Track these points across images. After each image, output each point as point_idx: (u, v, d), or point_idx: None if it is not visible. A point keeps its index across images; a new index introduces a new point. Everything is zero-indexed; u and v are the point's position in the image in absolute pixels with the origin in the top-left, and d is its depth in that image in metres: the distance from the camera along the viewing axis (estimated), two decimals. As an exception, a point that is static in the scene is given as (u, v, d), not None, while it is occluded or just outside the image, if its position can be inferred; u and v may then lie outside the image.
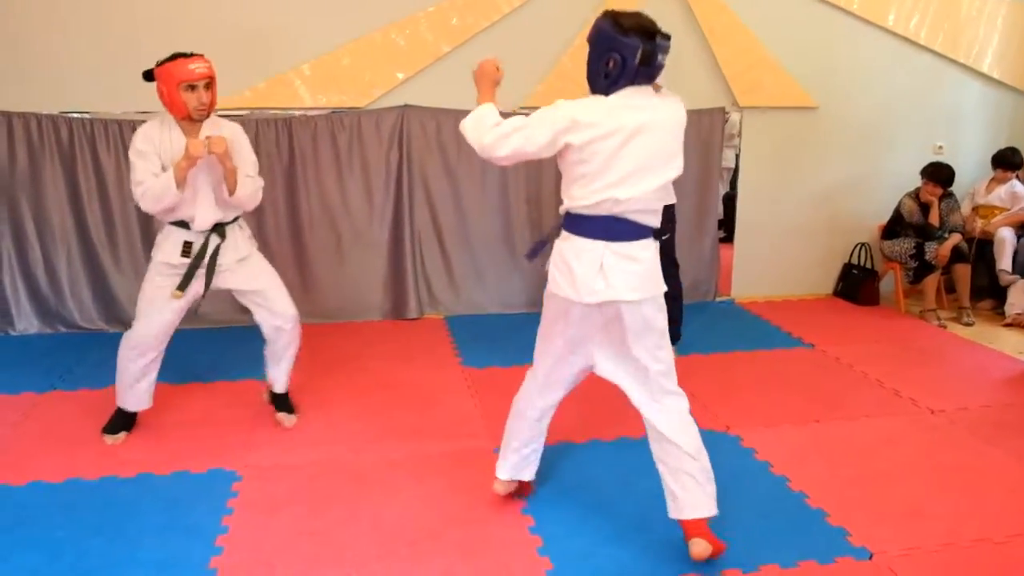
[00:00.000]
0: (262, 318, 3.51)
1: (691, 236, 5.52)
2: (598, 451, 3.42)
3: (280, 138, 4.99)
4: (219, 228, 3.34)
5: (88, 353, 4.58)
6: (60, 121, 4.72)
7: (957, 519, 2.91)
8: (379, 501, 3.00)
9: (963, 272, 5.51)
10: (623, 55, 2.32)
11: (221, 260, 3.34)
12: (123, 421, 3.56)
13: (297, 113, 4.99)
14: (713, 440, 3.53)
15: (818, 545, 2.74)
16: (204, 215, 3.27)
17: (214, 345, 4.73)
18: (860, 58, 5.67)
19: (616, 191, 2.39)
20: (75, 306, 4.97)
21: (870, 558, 2.67)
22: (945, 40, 5.77)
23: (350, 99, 5.01)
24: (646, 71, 2.36)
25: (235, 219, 3.43)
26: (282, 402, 3.72)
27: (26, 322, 4.93)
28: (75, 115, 4.75)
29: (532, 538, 2.76)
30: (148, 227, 4.93)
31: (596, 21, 2.41)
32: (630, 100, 2.40)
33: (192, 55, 3.16)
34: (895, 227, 5.72)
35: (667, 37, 2.37)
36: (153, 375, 3.53)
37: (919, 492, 3.11)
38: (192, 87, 3.12)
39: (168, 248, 3.32)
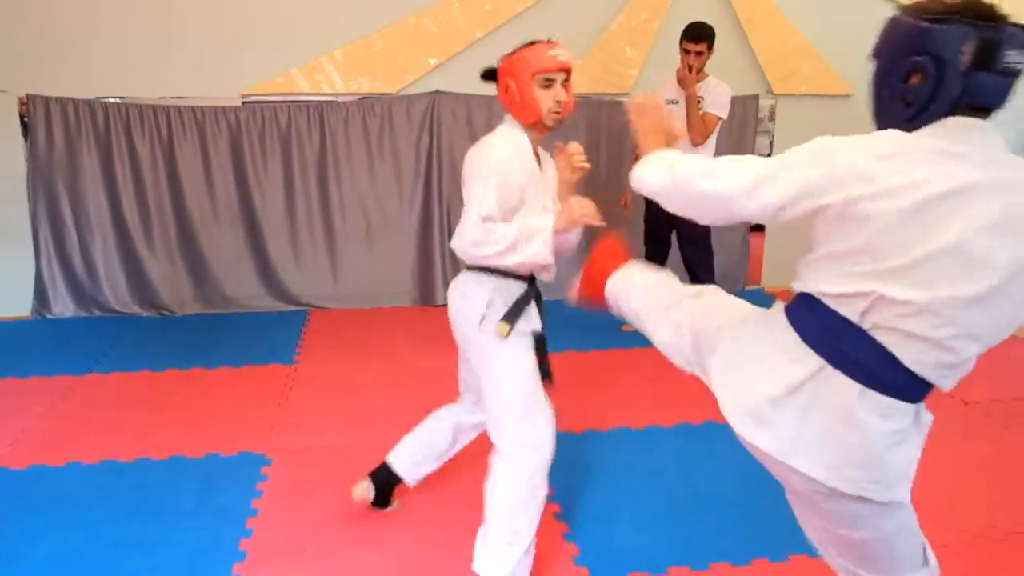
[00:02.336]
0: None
1: (722, 224, 5.46)
2: (624, 440, 3.42)
3: (312, 123, 5.02)
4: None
5: (122, 337, 4.65)
6: (96, 106, 4.78)
7: (991, 512, 2.87)
8: (410, 487, 3.01)
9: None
10: (940, 55, 1.38)
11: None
12: None
13: (329, 98, 5.02)
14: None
15: (848, 537, 2.71)
16: None
17: (244, 330, 4.79)
18: (898, 44, 5.56)
19: (884, 285, 1.40)
20: (110, 290, 5.05)
21: (901, 551, 2.64)
22: (986, 25, 5.64)
23: (382, 85, 5.02)
24: (985, 85, 1.38)
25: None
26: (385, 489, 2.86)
27: (62, 305, 5.01)
28: (110, 100, 4.81)
29: (559, 524, 2.76)
30: (181, 212, 5.00)
31: (887, 23, 1.54)
32: (953, 144, 1.39)
33: (549, 41, 2.38)
34: (931, 216, 5.60)
35: (1021, 27, 1.39)
36: None
37: (952, 485, 3.07)
38: (549, 80, 2.33)
39: None
